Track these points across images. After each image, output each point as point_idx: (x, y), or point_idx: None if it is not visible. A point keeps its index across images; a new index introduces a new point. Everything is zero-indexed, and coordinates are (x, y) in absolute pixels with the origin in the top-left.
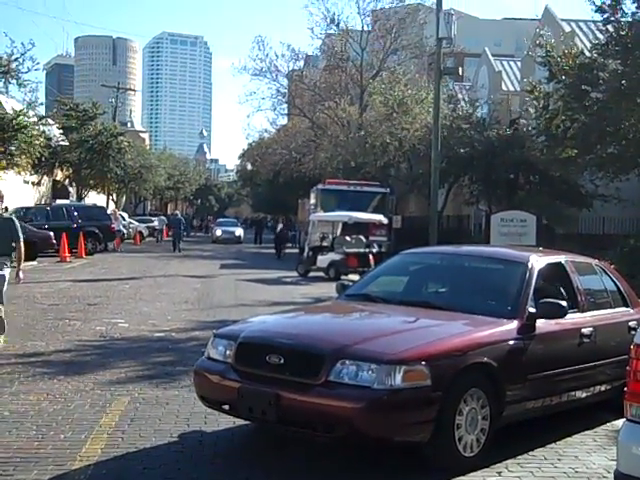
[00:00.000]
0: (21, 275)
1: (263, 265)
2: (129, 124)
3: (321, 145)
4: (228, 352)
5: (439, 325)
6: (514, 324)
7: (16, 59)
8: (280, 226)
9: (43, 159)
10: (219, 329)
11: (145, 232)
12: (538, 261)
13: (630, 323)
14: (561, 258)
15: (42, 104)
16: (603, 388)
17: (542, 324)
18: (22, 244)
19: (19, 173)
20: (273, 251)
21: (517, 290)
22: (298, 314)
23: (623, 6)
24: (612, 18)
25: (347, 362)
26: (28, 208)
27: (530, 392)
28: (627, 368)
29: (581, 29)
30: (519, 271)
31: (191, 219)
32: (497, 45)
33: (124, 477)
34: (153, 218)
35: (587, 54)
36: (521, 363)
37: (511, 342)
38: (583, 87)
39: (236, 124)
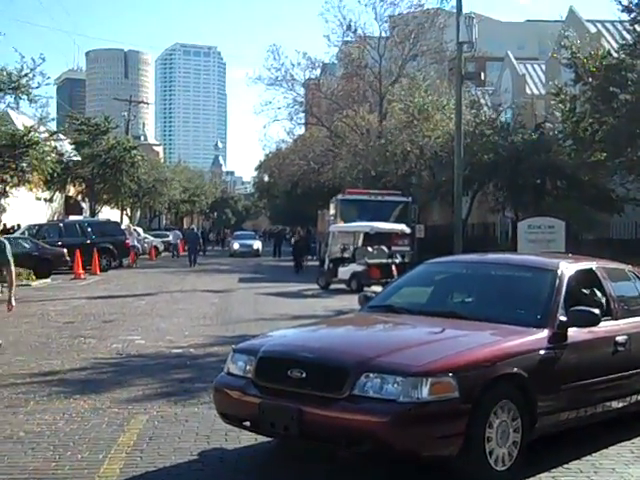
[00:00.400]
0: (13, 302)
1: (283, 278)
2: (142, 137)
3: (340, 154)
4: (248, 367)
5: (466, 335)
6: (544, 333)
7: (26, 74)
8: (296, 237)
9: (55, 175)
10: (238, 344)
11: (160, 247)
12: (568, 268)
13: None
14: (592, 264)
15: (53, 119)
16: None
17: (574, 333)
18: (13, 268)
19: (31, 190)
20: (292, 264)
21: (547, 298)
22: (320, 327)
23: None
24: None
25: (371, 375)
26: (41, 225)
27: (563, 403)
28: None
29: (607, 30)
30: (548, 278)
31: (207, 233)
32: (520, 48)
33: None
34: (168, 233)
35: (614, 55)
36: (553, 373)
37: (542, 352)
38: (611, 89)
39: (252, 135)
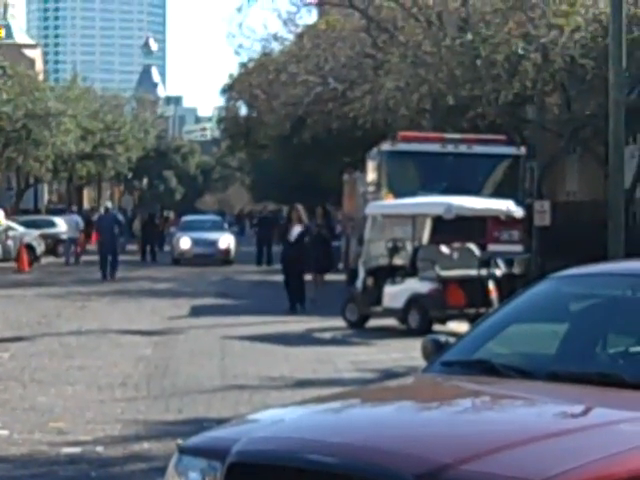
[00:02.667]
0: None
1: (275, 307)
2: (3, 32)
3: (386, 64)
4: None
5: (633, 421)
6: None
7: None
8: (297, 231)
9: None
10: (190, 438)
11: (39, 246)
12: None
13: None
14: None
15: None
16: None
17: None
18: None
19: None
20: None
21: None
22: (348, 404)
23: None
24: None
25: None
26: None
27: None
28: None
29: None
30: None
31: (130, 219)
32: None
33: None
34: (55, 218)
35: None
36: None
37: None
38: None
39: (215, 29)
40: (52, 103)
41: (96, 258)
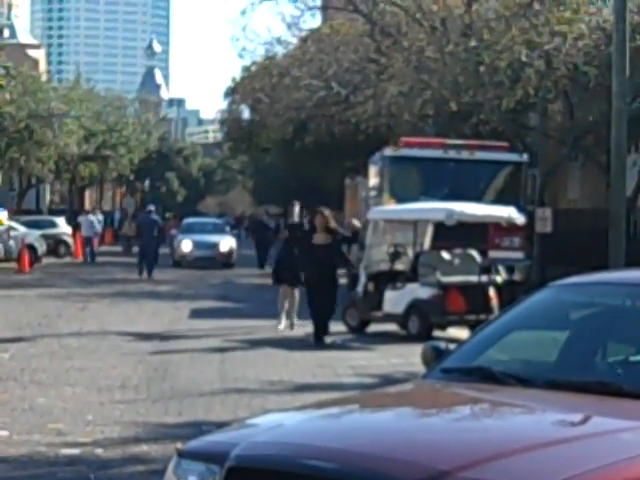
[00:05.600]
0: None
1: (275, 310)
2: (6, 32)
3: (390, 69)
4: None
5: (633, 430)
6: None
7: None
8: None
9: None
10: (189, 441)
11: (41, 247)
12: None
13: None
14: None
15: None
16: None
17: None
18: None
19: None
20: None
21: None
22: (347, 410)
23: None
24: None
25: None
26: None
27: None
28: None
29: None
30: None
31: (129, 218)
32: None
33: None
34: (56, 219)
35: None
36: None
37: None
38: None
39: (218, 32)
40: (55, 104)
41: (109, 259)
